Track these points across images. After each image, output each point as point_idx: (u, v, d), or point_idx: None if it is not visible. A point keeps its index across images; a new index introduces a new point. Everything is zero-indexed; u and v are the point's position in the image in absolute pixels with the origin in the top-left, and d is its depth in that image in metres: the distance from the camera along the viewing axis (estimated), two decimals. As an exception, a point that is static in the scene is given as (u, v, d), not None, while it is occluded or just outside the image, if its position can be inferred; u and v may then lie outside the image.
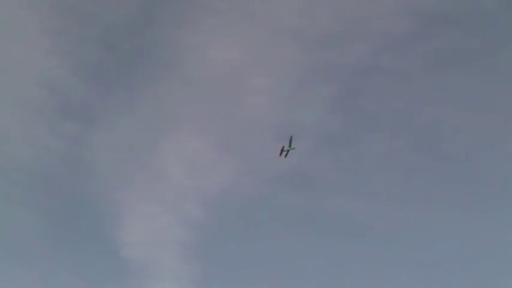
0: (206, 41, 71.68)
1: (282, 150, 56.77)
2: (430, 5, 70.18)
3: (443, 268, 61.70)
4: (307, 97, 70.50)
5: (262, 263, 64.57)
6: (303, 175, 68.86)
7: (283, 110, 70.59)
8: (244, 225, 67.47)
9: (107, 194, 66.76)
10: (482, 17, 70.19)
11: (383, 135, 69.86)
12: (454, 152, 67.30)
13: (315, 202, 67.83)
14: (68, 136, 70.34)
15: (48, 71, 70.29)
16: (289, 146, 56.49)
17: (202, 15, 72.00)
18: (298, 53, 71.11)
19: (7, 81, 69.32)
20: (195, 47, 71.73)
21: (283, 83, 70.94)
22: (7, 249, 63.20)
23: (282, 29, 71.23)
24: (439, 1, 70.50)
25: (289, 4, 71.19)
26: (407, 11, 69.59)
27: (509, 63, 69.39)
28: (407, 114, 69.98)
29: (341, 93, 70.90)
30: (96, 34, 72.21)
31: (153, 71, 71.97)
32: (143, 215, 66.70)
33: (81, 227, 67.13)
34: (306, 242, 65.48)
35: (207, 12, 71.68)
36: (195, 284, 62.48)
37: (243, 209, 67.92)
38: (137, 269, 62.94)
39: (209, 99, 71.23)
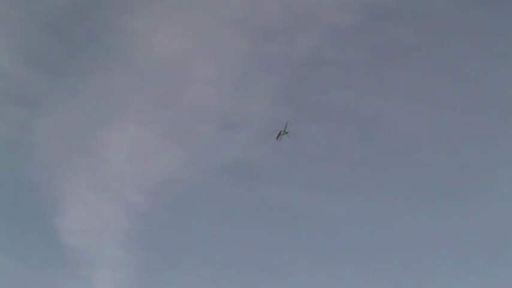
0: (152, 27, 71.13)
1: (279, 134, 57.37)
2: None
3: (380, 259, 63.11)
4: (253, 87, 70.89)
5: (205, 251, 65.07)
6: (247, 165, 69.46)
7: (229, 99, 71.01)
8: (187, 214, 67.55)
9: (48, 180, 65.69)
10: (428, 12, 71.60)
11: (326, 127, 70.75)
12: (396, 145, 68.61)
13: (258, 192, 68.36)
14: (9, 121, 68.95)
15: (-11, 54, 68.90)
16: (284, 130, 57.12)
17: (149, 2, 71.57)
18: (245, 43, 71.32)
19: None
20: (141, 33, 71.06)
21: (229, 73, 71.06)
22: None
23: (230, 19, 71.26)
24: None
25: (237, -6, 71.49)
26: (353, 4, 70.44)
27: (451, 59, 71.17)
28: (350, 106, 71.03)
29: (286, 84, 71.50)
30: (40, 17, 70.72)
31: (97, 57, 70.90)
32: (84, 202, 66.03)
33: (21, 213, 66.01)
34: (249, 231, 66.08)
35: (154, -2, 71.38)
36: (136, 272, 62.40)
37: (187, 198, 67.88)
38: (78, 257, 62.34)
39: (154, 87, 70.80)
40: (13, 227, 64.85)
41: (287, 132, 58.96)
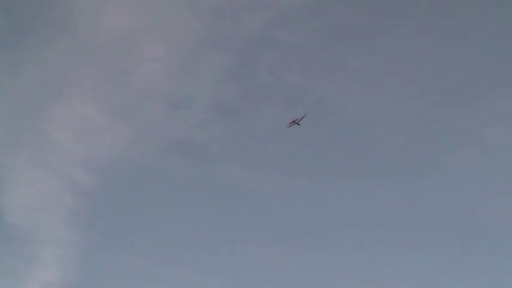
0: (102, 4, 70.30)
1: (293, 122, 58.38)
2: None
3: (322, 237, 63.84)
4: (202, 66, 70.80)
5: (153, 230, 64.75)
6: (195, 144, 69.56)
7: (177, 78, 70.82)
8: (135, 192, 67.32)
9: (-8, 157, 65.00)
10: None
11: (275, 107, 71.10)
12: (343, 126, 69.34)
13: (206, 171, 68.54)
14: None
15: None
16: (299, 122, 58.79)
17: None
18: (194, 21, 70.96)
19: None
20: (89, 9, 70.11)
21: (178, 51, 70.83)
22: None
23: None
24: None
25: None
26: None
27: (399, 43, 72.19)
28: (299, 88, 71.42)
29: (235, 64, 71.41)
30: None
31: (43, 33, 69.60)
32: (29, 179, 65.30)
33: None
34: (197, 211, 66.04)
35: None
36: (82, 251, 62.07)
37: (135, 176, 67.70)
38: (22, 235, 61.86)
39: (102, 64, 70.10)
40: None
41: (299, 124, 59.05)
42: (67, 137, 67.85)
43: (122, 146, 68.26)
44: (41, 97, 68.51)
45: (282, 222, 65.25)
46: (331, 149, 68.42)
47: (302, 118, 59.22)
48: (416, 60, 70.51)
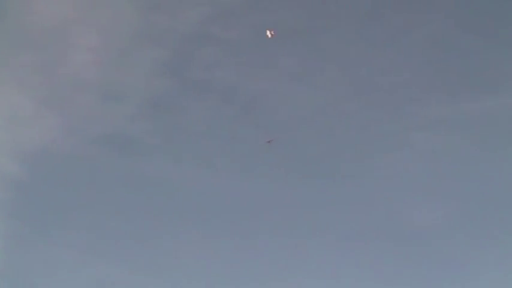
0: (33, -10, 68.72)
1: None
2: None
3: (257, 235, 64.03)
4: (136, 59, 70.12)
5: (81, 223, 64.04)
6: (127, 137, 68.89)
7: (111, 70, 69.91)
8: (63, 184, 66.34)
9: None
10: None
11: (208, 103, 71.07)
12: (276, 124, 69.65)
13: (137, 165, 67.91)
14: None
15: None
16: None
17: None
18: (131, 13, 70.05)
19: None
20: (21, -4, 68.53)
21: (112, 43, 69.78)
22: None
23: (115, -13, 69.84)
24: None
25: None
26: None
27: (334, 43, 72.80)
28: (233, 84, 71.62)
29: (170, 58, 70.91)
30: None
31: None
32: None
33: None
34: (125, 204, 65.75)
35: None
36: (7, 242, 61.04)
37: (64, 168, 66.63)
38: None
39: (33, 53, 68.39)
40: None
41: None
42: (-5, 126, 66.49)
43: (52, 136, 67.24)
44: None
45: (212, 217, 65.45)
46: (263, 147, 68.42)
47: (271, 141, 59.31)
48: (350, 62, 71.60)
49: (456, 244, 61.90)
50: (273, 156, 66.78)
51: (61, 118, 68.25)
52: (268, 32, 58.04)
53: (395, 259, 61.86)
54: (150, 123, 69.60)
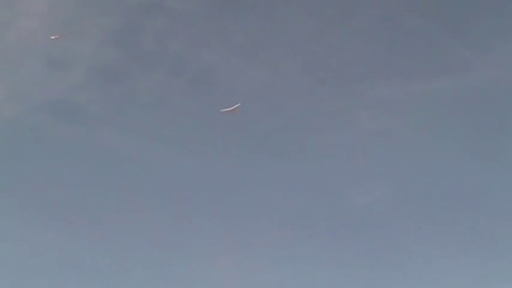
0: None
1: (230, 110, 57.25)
2: None
3: (199, 209, 64.01)
4: (84, 26, 68.71)
5: (19, 192, 63.31)
6: (73, 106, 68.02)
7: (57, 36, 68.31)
8: (5, 151, 65.50)
9: None
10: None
11: (158, 74, 70.50)
12: (223, 98, 68.75)
13: (83, 134, 67.42)
14: None
15: None
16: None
17: None
18: (80, -21, 68.76)
19: None
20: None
21: (60, 9, 68.37)
22: None
23: (65, -49, 68.25)
24: None
25: None
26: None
27: (287, 19, 72.55)
28: (183, 56, 71.05)
29: (120, 27, 69.97)
30: None
31: None
32: None
33: None
34: (69, 173, 65.00)
35: None
36: None
37: (6, 135, 65.88)
38: None
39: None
40: None
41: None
42: None
43: (-4, 103, 66.03)
44: None
45: (158, 189, 65.13)
46: (209, 120, 68.33)
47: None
48: (299, 39, 71.35)
49: (396, 224, 62.93)
50: (219, 130, 66.79)
51: (5, 84, 67.35)
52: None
53: (338, 238, 62.94)
54: (97, 92, 69.00)
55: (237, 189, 65.00)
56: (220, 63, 70.94)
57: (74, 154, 66.18)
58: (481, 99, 67.79)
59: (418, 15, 70.15)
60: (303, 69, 71.05)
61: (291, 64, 71.27)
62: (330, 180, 65.79)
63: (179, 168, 66.68)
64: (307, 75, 70.81)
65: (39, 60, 68.14)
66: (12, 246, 59.67)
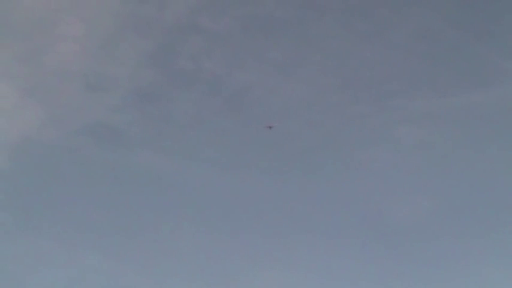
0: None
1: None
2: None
3: (244, 228, 63.87)
4: (122, 49, 69.68)
5: (62, 215, 63.44)
6: (112, 128, 68.34)
7: (96, 59, 69.40)
8: (47, 175, 65.56)
9: None
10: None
11: (195, 95, 70.72)
12: (262, 117, 69.49)
13: (122, 156, 67.39)
14: None
15: None
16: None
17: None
18: (116, 3, 69.70)
19: None
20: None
21: (98, 32, 69.24)
22: None
23: (102, -24, 69.35)
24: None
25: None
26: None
27: (321, 36, 72.73)
28: (220, 75, 71.34)
29: (156, 49, 70.65)
30: None
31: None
32: None
33: None
34: (110, 195, 65.02)
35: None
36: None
37: (47, 159, 65.90)
38: None
39: (16, 42, 67.63)
40: None
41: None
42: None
43: (35, 126, 66.51)
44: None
45: (198, 209, 64.87)
46: (249, 139, 68.54)
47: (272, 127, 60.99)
48: (336, 55, 71.71)
49: (440, 238, 62.13)
50: (259, 148, 66.89)
51: (45, 108, 67.72)
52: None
53: (380, 253, 61.98)
54: (135, 114, 69.37)
55: (277, 206, 64.65)
56: (257, 82, 71.43)
57: (114, 176, 66.37)
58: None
59: (456, 27, 70.20)
60: (340, 86, 71.12)
61: (328, 80, 71.34)
62: (371, 195, 65.15)
63: (219, 187, 66.29)
64: (344, 91, 70.91)
65: (78, 83, 68.98)
66: (56, 270, 59.56)
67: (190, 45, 71.12)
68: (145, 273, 59.61)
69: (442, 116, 69.13)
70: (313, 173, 66.78)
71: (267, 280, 58.77)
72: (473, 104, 68.36)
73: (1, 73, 67.16)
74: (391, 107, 69.83)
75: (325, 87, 71.06)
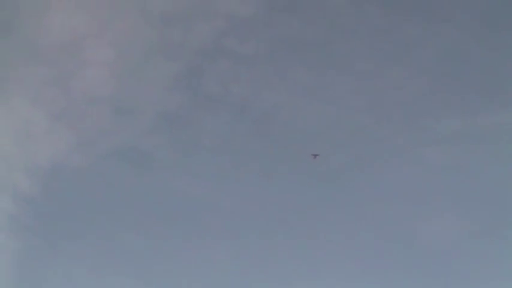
0: (47, 4, 68.30)
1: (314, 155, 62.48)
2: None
3: (281, 248, 64.26)
4: (149, 73, 69.90)
5: (95, 239, 64.17)
6: (140, 152, 68.68)
7: (124, 84, 69.75)
8: (76, 199, 66.19)
9: None
10: (327, 9, 73.09)
11: (223, 118, 71.09)
12: (290, 139, 69.84)
13: (151, 180, 67.83)
14: None
15: None
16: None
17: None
18: (144, 27, 70.04)
19: None
20: (34, 10, 68.02)
21: (125, 57, 69.68)
22: None
23: (129, 1, 69.87)
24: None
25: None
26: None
27: (346, 57, 72.99)
28: (247, 98, 71.59)
29: (183, 72, 70.84)
30: None
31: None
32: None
33: None
34: (140, 220, 65.45)
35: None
36: (18, 256, 60.56)
37: (77, 183, 66.50)
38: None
39: (46, 67, 68.27)
40: None
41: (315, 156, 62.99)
42: (8, 141, 65.97)
43: (65, 151, 66.91)
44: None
45: (232, 232, 65.41)
46: (279, 161, 68.75)
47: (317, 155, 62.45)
48: (362, 76, 71.81)
49: (470, 258, 62.16)
50: (289, 169, 67.02)
51: (74, 133, 68.09)
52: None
53: (409, 275, 62.04)
54: (163, 138, 69.64)
55: (303, 229, 64.90)
56: (284, 103, 71.61)
57: (143, 200, 66.77)
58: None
59: (483, 47, 70.19)
60: (367, 106, 71.21)
61: (354, 101, 71.49)
62: (398, 217, 65.02)
63: (248, 210, 66.46)
64: (370, 112, 70.97)
65: (106, 108, 69.20)
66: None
67: (217, 68, 71.62)
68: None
69: (469, 136, 69.07)
70: (341, 193, 67.26)
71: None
72: (501, 124, 68.29)
73: (30, 98, 67.63)
74: (417, 128, 70.33)
75: (350, 108, 71.50)
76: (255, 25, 71.41)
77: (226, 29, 70.49)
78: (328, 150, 68.55)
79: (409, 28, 71.71)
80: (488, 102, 70.16)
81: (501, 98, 69.43)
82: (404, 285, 61.30)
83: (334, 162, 68.05)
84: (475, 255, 62.08)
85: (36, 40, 67.80)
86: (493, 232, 63.32)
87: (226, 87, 71.19)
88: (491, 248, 62.21)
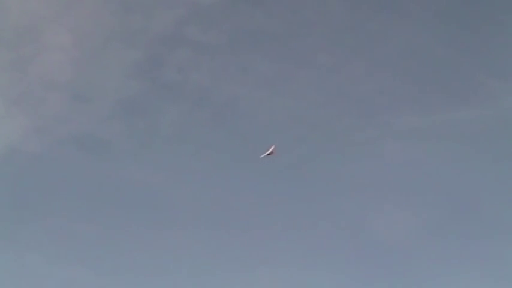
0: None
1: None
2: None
3: (237, 239, 63.83)
4: (108, 60, 69.30)
5: (45, 227, 63.00)
6: (98, 139, 68.03)
7: (82, 70, 69.05)
8: (30, 185, 65.20)
9: None
10: (291, 1, 72.81)
11: (182, 107, 70.54)
12: (250, 131, 69.70)
13: (107, 168, 67.00)
14: None
15: None
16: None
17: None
18: (104, 13, 69.41)
19: None
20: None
21: (84, 43, 69.12)
22: None
23: (90, -14, 68.99)
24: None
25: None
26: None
27: (309, 51, 72.80)
28: (207, 88, 71.21)
29: (143, 60, 70.41)
30: None
31: None
32: None
33: None
34: (95, 208, 64.66)
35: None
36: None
37: (31, 169, 65.58)
38: None
39: (3, 52, 67.56)
40: None
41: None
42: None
43: (20, 136, 66.02)
44: None
45: (184, 222, 64.55)
46: (237, 152, 68.42)
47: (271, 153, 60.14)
48: (324, 70, 71.80)
49: (424, 255, 62.26)
50: (247, 161, 66.77)
51: (30, 118, 67.32)
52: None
53: (362, 268, 61.90)
54: (122, 126, 69.05)
55: (258, 220, 64.58)
56: (244, 94, 71.26)
57: (99, 187, 65.99)
58: (508, 128, 67.66)
59: (443, 44, 70.66)
60: (327, 100, 71.23)
61: (314, 95, 71.46)
62: (354, 211, 65.19)
63: (205, 200, 66.08)
64: (331, 106, 71.01)
65: (64, 94, 68.64)
66: (39, 284, 59.10)
67: (177, 57, 71.13)
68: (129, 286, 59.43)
69: (429, 132, 69.40)
70: (298, 186, 66.92)
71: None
72: (459, 122, 68.86)
73: (-14, 82, 66.67)
74: (377, 123, 70.42)
75: (311, 102, 71.29)
76: (218, 14, 71.22)
77: (188, 17, 70.28)
78: (285, 145, 68.61)
79: (372, 23, 72.21)
80: (448, 99, 70.68)
81: (461, 95, 70.04)
82: (356, 279, 61.21)
83: (293, 155, 67.98)
84: (429, 251, 62.26)
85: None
86: (445, 229, 63.64)
87: (186, 76, 71.04)
88: (442, 245, 62.56)
